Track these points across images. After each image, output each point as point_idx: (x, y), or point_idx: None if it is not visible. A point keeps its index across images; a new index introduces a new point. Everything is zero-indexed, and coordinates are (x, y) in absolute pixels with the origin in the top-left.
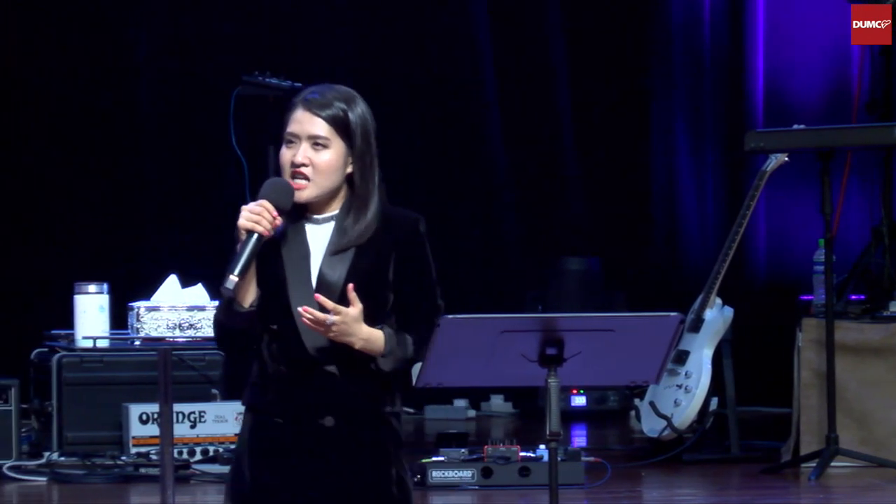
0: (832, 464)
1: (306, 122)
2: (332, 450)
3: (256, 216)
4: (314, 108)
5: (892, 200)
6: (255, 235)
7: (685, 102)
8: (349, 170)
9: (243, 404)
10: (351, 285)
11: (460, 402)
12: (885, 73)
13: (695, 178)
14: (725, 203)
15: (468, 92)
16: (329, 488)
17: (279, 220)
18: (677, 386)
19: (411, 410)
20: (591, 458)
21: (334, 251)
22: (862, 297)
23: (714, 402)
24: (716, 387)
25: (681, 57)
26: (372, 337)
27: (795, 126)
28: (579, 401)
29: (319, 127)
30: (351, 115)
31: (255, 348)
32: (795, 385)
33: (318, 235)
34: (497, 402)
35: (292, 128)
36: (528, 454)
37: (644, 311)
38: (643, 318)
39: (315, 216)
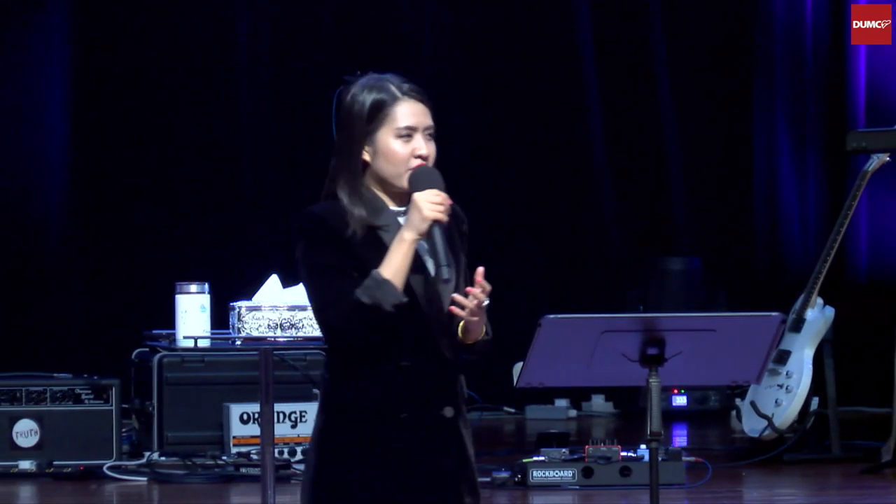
0: None
1: (421, 114)
2: (452, 441)
3: (440, 206)
4: (423, 98)
5: None
6: (440, 226)
7: (787, 103)
8: None
9: (343, 405)
10: (481, 269)
11: (561, 402)
12: None
13: (796, 178)
14: (827, 203)
15: (570, 92)
16: (451, 480)
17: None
18: (778, 386)
19: (512, 410)
20: (692, 458)
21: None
22: None
23: (815, 402)
24: (817, 387)
25: (783, 57)
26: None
27: None
28: (680, 400)
29: (430, 117)
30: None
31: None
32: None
33: None
34: (598, 402)
35: (410, 121)
36: (629, 454)
37: (745, 310)
38: (744, 318)
39: (399, 208)
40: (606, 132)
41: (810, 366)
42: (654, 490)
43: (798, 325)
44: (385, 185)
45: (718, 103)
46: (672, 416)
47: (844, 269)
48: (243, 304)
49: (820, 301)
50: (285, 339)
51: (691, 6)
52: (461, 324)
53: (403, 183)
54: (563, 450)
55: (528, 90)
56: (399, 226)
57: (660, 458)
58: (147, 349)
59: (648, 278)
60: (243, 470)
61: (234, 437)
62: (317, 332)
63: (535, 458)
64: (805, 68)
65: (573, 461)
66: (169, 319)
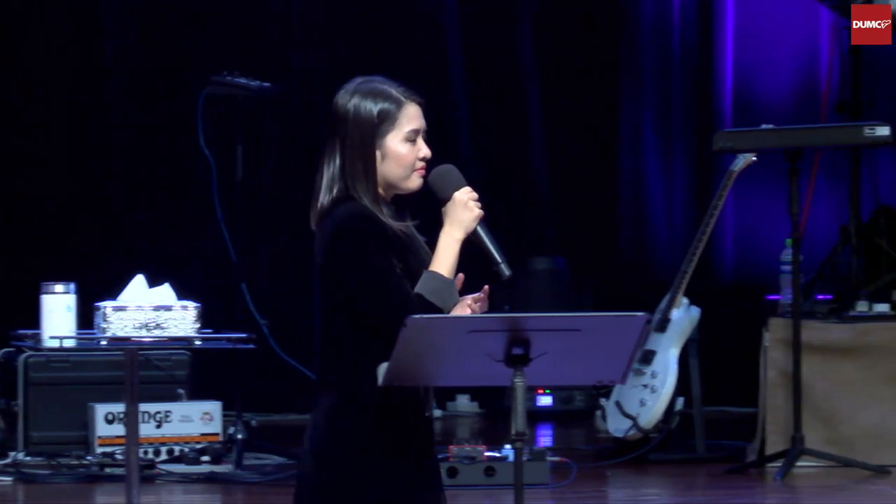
0: (798, 464)
1: (421, 118)
2: (432, 434)
3: (478, 202)
4: (420, 100)
5: (860, 200)
6: (481, 222)
7: (654, 103)
8: None
9: (377, 405)
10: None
11: None
12: (854, 73)
13: (663, 178)
14: (693, 203)
15: (437, 94)
16: (437, 475)
17: None
18: (643, 386)
19: None
20: (557, 458)
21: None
22: (829, 296)
23: (680, 401)
24: (682, 386)
25: (650, 58)
26: None
27: (764, 126)
28: (545, 400)
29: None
30: None
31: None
32: (761, 385)
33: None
34: (463, 402)
35: (415, 124)
36: (494, 454)
37: (611, 310)
38: (609, 318)
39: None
40: (473, 133)
41: (675, 366)
42: (518, 490)
43: (663, 325)
44: (389, 187)
45: (584, 103)
46: (537, 416)
47: (710, 268)
48: (109, 304)
49: (685, 301)
50: (151, 340)
51: (559, 7)
52: None
53: (409, 185)
54: None
55: None
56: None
57: (524, 458)
58: (12, 349)
59: (515, 279)
60: (108, 470)
61: (98, 437)
62: (181, 332)
63: None
64: (672, 69)
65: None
66: (34, 319)
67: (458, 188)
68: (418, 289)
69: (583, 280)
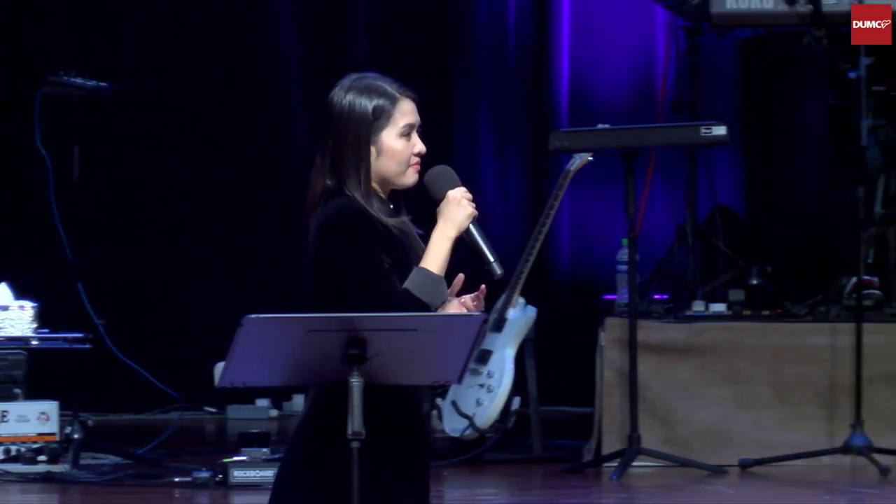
0: (634, 463)
1: (415, 113)
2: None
3: (471, 200)
4: (414, 96)
5: (696, 200)
6: (474, 221)
7: (489, 103)
8: None
9: (373, 403)
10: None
11: (262, 402)
12: (689, 73)
13: (499, 178)
14: (529, 202)
15: (271, 91)
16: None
17: None
18: (480, 385)
19: (213, 410)
20: None
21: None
22: (665, 296)
23: (516, 401)
24: (518, 386)
25: (485, 57)
26: None
27: (599, 125)
28: None
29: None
30: None
31: None
32: (598, 385)
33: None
34: (299, 402)
35: (409, 119)
36: None
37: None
38: (446, 318)
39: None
40: (309, 128)
41: (512, 365)
42: (354, 489)
43: (500, 325)
44: (384, 182)
45: (421, 103)
46: None
47: (547, 268)
48: None
49: (522, 301)
50: None
51: (393, 8)
52: None
53: (404, 180)
54: (265, 449)
55: (230, 90)
56: (404, 224)
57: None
58: None
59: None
60: None
61: None
62: (18, 332)
63: (237, 458)
64: (507, 68)
65: (274, 461)
66: None
67: (453, 187)
68: (406, 284)
69: None
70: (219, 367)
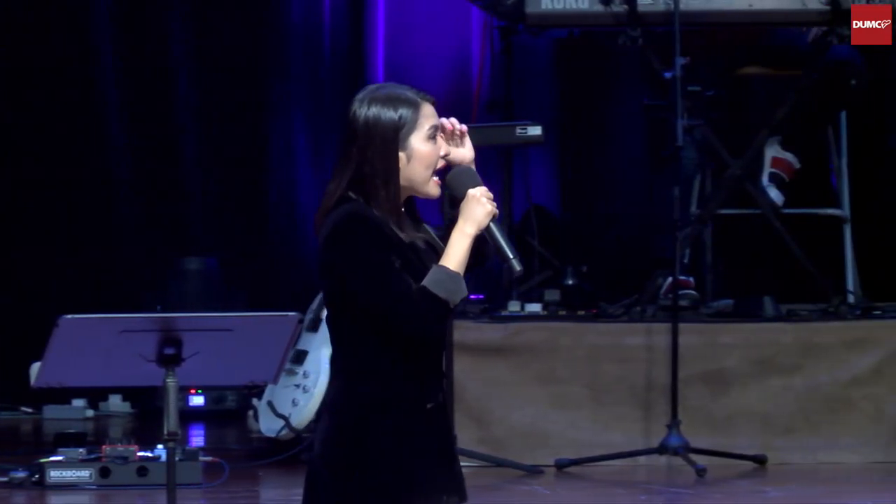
0: None
1: (437, 116)
2: (446, 425)
3: (492, 199)
4: (433, 101)
5: (512, 200)
6: (494, 220)
7: (305, 103)
8: None
9: (375, 401)
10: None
11: (78, 402)
12: (505, 73)
13: (315, 178)
14: None
15: (84, 89)
16: (455, 460)
17: None
18: (295, 386)
19: (29, 410)
20: (209, 458)
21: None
22: (481, 296)
23: None
24: None
25: (300, 57)
26: None
27: None
28: (197, 400)
29: None
30: None
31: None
32: None
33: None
34: (115, 402)
35: (433, 121)
36: (147, 454)
37: (264, 310)
38: (261, 318)
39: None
40: (124, 128)
41: (328, 366)
42: (171, 490)
43: (315, 325)
44: (409, 191)
45: (237, 103)
46: (189, 416)
47: None
48: None
49: None
50: None
51: (210, 7)
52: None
53: (428, 189)
54: (81, 450)
55: (41, 79)
56: (414, 230)
57: (177, 458)
58: None
59: (166, 279)
60: None
61: None
62: None
63: (53, 458)
64: (323, 68)
65: (90, 461)
66: None
67: (473, 186)
68: (424, 282)
69: (235, 280)
70: (35, 367)
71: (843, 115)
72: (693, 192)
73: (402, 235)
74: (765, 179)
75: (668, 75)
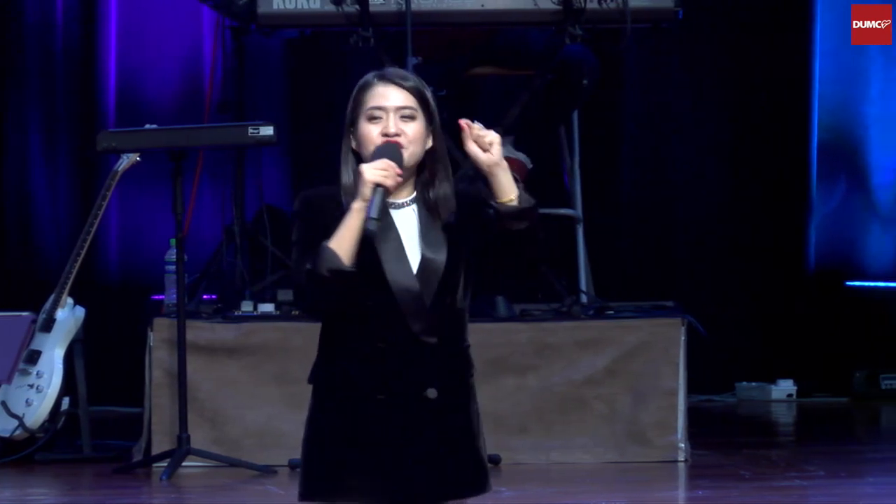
0: (184, 463)
1: (392, 96)
2: (433, 423)
3: (384, 171)
4: (397, 80)
5: (245, 200)
6: (381, 189)
7: (38, 103)
8: (430, 144)
9: (318, 387)
10: (466, 122)
11: None
12: (237, 74)
13: (48, 178)
14: (79, 202)
15: None
16: (426, 462)
17: (401, 177)
18: (29, 385)
19: None
20: None
21: (427, 232)
22: (214, 296)
23: (66, 401)
24: (68, 386)
25: (34, 57)
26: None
27: (147, 126)
28: None
29: (408, 98)
30: (427, 91)
31: (338, 328)
32: (147, 385)
33: (403, 219)
34: None
35: (377, 101)
36: None
37: None
38: None
39: (394, 201)
40: None
41: (61, 365)
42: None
43: (49, 325)
44: None
45: None
46: None
47: (96, 268)
48: None
49: (70, 301)
50: None
51: None
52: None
53: None
54: None
55: None
56: (384, 219)
57: None
58: None
59: None
60: None
61: None
62: None
63: None
64: (56, 67)
65: None
66: None
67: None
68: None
69: None
70: None
71: (576, 115)
72: None
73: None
74: None
75: None
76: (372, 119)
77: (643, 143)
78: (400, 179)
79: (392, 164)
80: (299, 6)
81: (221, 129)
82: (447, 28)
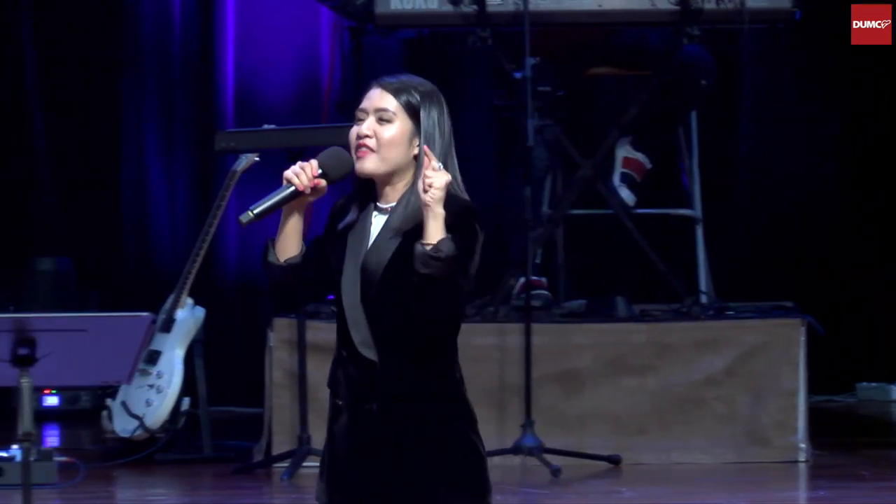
0: (305, 464)
1: (375, 98)
2: (380, 438)
3: (298, 170)
4: (385, 85)
5: None
6: (291, 187)
7: (156, 103)
8: (415, 151)
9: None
10: (426, 147)
11: None
12: (355, 74)
13: (166, 178)
14: (197, 203)
15: None
16: (373, 473)
17: (323, 183)
18: (149, 386)
19: None
20: (64, 458)
21: (383, 237)
22: (332, 297)
23: (186, 402)
24: (188, 387)
25: (152, 59)
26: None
27: (265, 126)
28: (52, 400)
29: (386, 101)
30: (421, 98)
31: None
32: (267, 385)
33: (378, 224)
34: None
35: (362, 104)
36: (2, 454)
37: (117, 311)
38: (114, 319)
39: (380, 204)
40: None
41: (181, 366)
42: (26, 490)
43: (168, 326)
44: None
45: (89, 102)
46: (44, 416)
47: (215, 269)
48: None
49: (190, 301)
50: None
51: (61, 3)
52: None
53: (357, 167)
54: None
55: None
56: (363, 223)
57: (32, 459)
58: None
59: (19, 279)
60: None
61: None
62: None
63: None
64: (174, 69)
65: None
66: None
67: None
68: None
69: (89, 281)
70: None
71: (694, 115)
72: (544, 192)
73: (352, 218)
74: (616, 180)
75: (518, 75)
76: (358, 120)
77: (760, 144)
78: (320, 184)
79: (314, 165)
80: (417, 6)
81: (340, 129)
82: (564, 28)
